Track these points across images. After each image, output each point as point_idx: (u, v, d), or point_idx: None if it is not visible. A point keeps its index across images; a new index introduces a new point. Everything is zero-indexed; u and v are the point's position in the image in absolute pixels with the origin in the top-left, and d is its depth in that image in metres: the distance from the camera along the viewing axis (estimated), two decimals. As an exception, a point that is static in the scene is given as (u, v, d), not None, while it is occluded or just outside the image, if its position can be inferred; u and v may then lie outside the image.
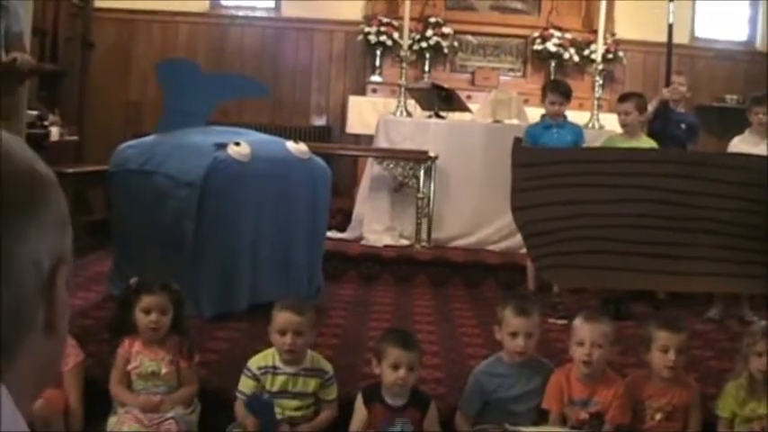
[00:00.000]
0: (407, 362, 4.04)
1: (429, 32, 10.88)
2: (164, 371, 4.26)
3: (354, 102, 10.68)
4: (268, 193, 6.11)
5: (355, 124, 10.44)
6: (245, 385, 4.22)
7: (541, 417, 4.28)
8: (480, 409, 4.32)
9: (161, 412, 4.16)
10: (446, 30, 10.96)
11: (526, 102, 9.96)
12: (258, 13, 11.60)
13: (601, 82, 9.20)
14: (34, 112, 8.55)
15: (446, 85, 9.48)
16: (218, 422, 4.29)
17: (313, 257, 6.53)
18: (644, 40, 10.67)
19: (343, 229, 8.78)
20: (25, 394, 1.00)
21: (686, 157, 5.54)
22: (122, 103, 11.12)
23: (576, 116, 7.98)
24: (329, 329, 5.85)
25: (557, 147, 6.82)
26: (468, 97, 9.97)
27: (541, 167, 4.78)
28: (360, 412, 4.13)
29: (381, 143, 8.94)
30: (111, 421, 4.21)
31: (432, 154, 8.48)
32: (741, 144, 7.06)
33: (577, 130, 7.26)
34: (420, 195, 8.43)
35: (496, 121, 9.10)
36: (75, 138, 9.92)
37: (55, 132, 9.01)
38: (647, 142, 6.87)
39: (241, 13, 11.56)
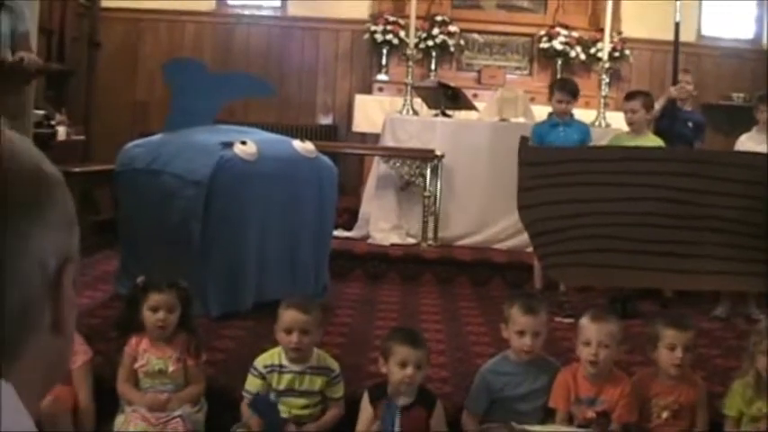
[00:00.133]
0: (415, 360, 4.04)
1: (435, 31, 10.88)
2: (171, 369, 4.27)
3: (361, 100, 10.68)
4: (275, 192, 6.11)
5: (362, 123, 10.44)
6: (252, 384, 4.23)
7: (548, 415, 4.28)
8: (487, 407, 4.32)
9: (168, 411, 4.17)
10: (452, 28, 10.96)
11: (532, 100, 9.95)
12: (264, 13, 11.61)
13: (607, 80, 9.18)
14: (41, 112, 8.57)
15: (452, 84, 9.48)
16: (225, 421, 4.30)
17: (319, 256, 6.54)
18: (650, 38, 10.66)
19: (349, 228, 8.78)
20: (33, 393, 1.00)
21: (693, 156, 5.52)
22: (129, 103, 11.14)
23: (582, 114, 7.98)
24: (336, 328, 5.85)
25: (563, 145, 6.81)
26: (475, 96, 9.97)
27: (548, 166, 4.78)
28: (366, 411, 4.13)
29: (388, 142, 8.94)
30: (119, 420, 4.22)
31: (438, 152, 8.48)
32: (748, 142, 7.05)
33: (584, 129, 7.25)
34: (426, 194, 8.43)
35: (503, 120, 9.09)
36: (81, 137, 9.93)
37: (62, 132, 9.03)
38: (653, 140, 6.86)
39: (247, 13, 11.57)
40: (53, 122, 8.92)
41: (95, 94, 10.94)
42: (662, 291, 6.94)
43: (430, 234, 8.45)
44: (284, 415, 4.16)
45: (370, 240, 8.51)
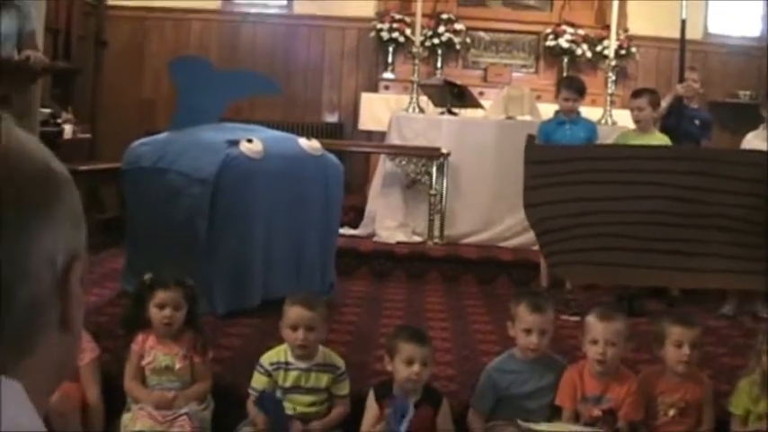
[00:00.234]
0: (421, 357, 4.04)
1: (441, 29, 10.88)
2: (177, 366, 4.27)
3: (367, 98, 10.68)
4: (281, 190, 6.12)
5: (367, 121, 10.44)
6: (258, 381, 4.23)
7: (554, 413, 4.28)
8: (493, 405, 4.32)
9: (174, 408, 4.17)
10: (458, 26, 10.95)
11: (539, 98, 9.95)
12: (270, 11, 11.61)
13: (614, 78, 9.18)
14: (47, 110, 8.59)
15: (458, 82, 9.48)
16: (231, 419, 4.30)
17: (326, 254, 6.54)
18: (657, 36, 10.65)
19: (355, 226, 8.78)
20: (41, 390, 1.00)
21: (699, 154, 5.52)
22: (135, 101, 11.14)
23: (588, 112, 7.97)
24: (342, 326, 5.85)
25: (570, 143, 6.81)
26: (481, 94, 9.97)
27: (554, 164, 4.78)
28: (371, 409, 4.13)
29: (394, 140, 8.94)
30: (126, 418, 4.23)
31: (444, 150, 8.48)
32: (755, 140, 7.04)
33: (591, 127, 7.25)
34: (432, 192, 8.43)
35: (509, 118, 9.09)
36: (88, 135, 9.95)
37: (68, 130, 9.05)
38: (659, 138, 6.86)
39: (253, 11, 11.57)
40: (59, 121, 8.94)
41: (102, 92, 10.96)
42: (668, 289, 6.94)
43: (436, 232, 8.45)
44: (291, 412, 4.16)
45: (376, 238, 8.51)
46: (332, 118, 11.48)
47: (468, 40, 11.14)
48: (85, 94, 10.60)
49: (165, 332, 4.28)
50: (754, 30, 11.51)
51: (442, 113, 9.14)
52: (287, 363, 4.23)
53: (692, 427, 4.26)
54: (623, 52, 10.58)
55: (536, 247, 6.15)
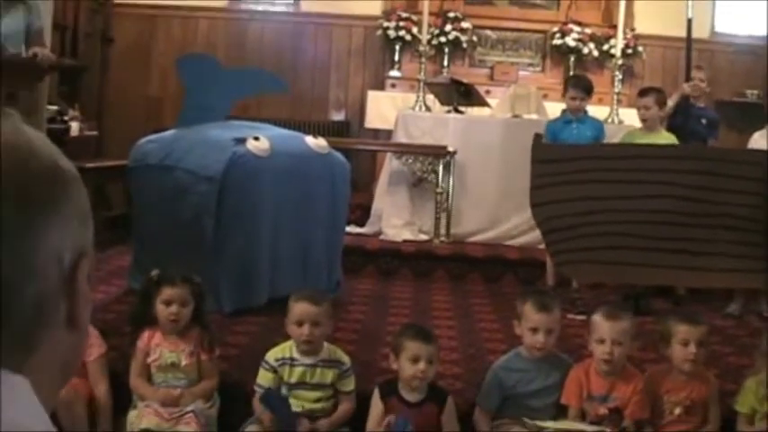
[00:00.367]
0: (427, 355, 4.04)
1: (448, 27, 10.88)
2: (184, 363, 4.27)
3: (373, 97, 10.68)
4: (287, 188, 6.12)
5: (374, 119, 10.45)
6: (264, 378, 4.24)
7: (560, 412, 4.28)
8: (499, 404, 4.32)
9: (181, 406, 4.18)
10: (465, 24, 10.95)
11: (545, 96, 9.94)
12: (277, 9, 11.61)
13: (620, 77, 9.16)
14: (54, 108, 8.60)
15: (465, 80, 9.48)
16: (237, 417, 4.30)
17: (332, 252, 6.54)
18: (663, 34, 10.62)
19: (362, 224, 8.78)
20: (49, 386, 1.00)
21: (706, 153, 5.51)
22: (142, 99, 11.15)
23: (595, 111, 7.96)
24: (348, 324, 5.85)
25: (577, 142, 6.81)
26: (487, 92, 9.97)
27: (561, 163, 4.77)
28: (377, 407, 4.13)
29: (400, 138, 8.94)
30: (132, 415, 4.23)
31: (450, 149, 8.48)
32: (761, 139, 7.03)
33: (598, 126, 7.25)
34: (439, 190, 8.43)
35: (515, 116, 9.08)
36: (94, 133, 9.96)
37: (75, 127, 9.06)
38: (666, 137, 6.85)
39: (260, 9, 11.57)
40: (66, 118, 8.95)
41: (108, 89, 10.98)
42: (674, 288, 6.93)
43: (442, 230, 8.45)
44: (297, 410, 4.16)
45: (382, 236, 8.51)
46: (338, 116, 11.48)
47: (474, 38, 11.14)
48: (92, 92, 10.62)
49: (171, 329, 4.28)
50: (760, 29, 11.46)
51: (449, 112, 9.14)
52: (292, 359, 4.24)
53: (698, 425, 4.26)
54: (630, 51, 10.58)
55: (542, 246, 6.15)
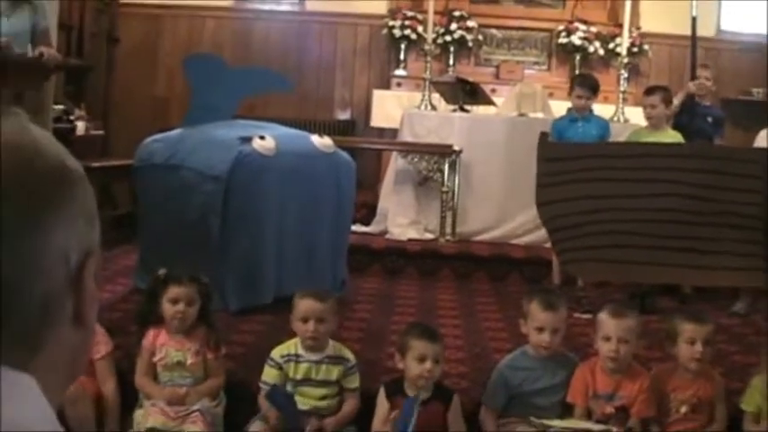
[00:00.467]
0: (433, 354, 4.05)
1: (453, 26, 10.87)
2: (189, 361, 4.28)
3: (379, 95, 10.68)
4: (293, 187, 6.12)
5: (379, 118, 10.44)
6: (269, 375, 4.25)
7: (566, 411, 4.28)
8: (505, 403, 4.32)
9: (187, 404, 4.18)
10: (470, 23, 10.94)
11: (551, 95, 9.93)
12: (283, 8, 11.61)
13: (626, 75, 9.15)
14: (60, 107, 8.61)
15: (471, 79, 9.47)
16: (243, 415, 4.30)
17: (338, 251, 6.54)
18: (669, 33, 10.62)
19: (367, 223, 8.78)
20: (55, 385, 1.01)
21: (712, 152, 5.50)
22: (148, 98, 11.16)
23: (601, 109, 7.95)
24: (354, 323, 5.86)
25: (582, 140, 6.81)
26: (493, 91, 9.96)
27: (567, 162, 4.77)
28: (382, 406, 4.13)
29: (406, 137, 8.94)
30: (138, 414, 4.24)
31: (456, 148, 8.47)
32: (768, 138, 7.04)
33: (603, 124, 7.25)
34: (444, 189, 8.42)
35: (521, 115, 9.08)
36: (100, 132, 9.97)
37: (81, 127, 9.08)
38: (672, 136, 6.85)
39: (266, 8, 11.58)
40: (72, 117, 8.97)
41: (114, 89, 10.99)
42: (680, 287, 6.92)
43: (448, 229, 8.45)
44: (304, 407, 4.17)
45: (388, 235, 8.51)
46: (344, 115, 11.48)
47: (480, 37, 11.13)
48: (98, 91, 10.63)
49: (177, 327, 4.29)
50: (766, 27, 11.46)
51: (454, 111, 9.13)
52: (297, 355, 4.25)
53: (704, 424, 4.26)
54: (636, 50, 10.55)
55: (548, 245, 6.15)
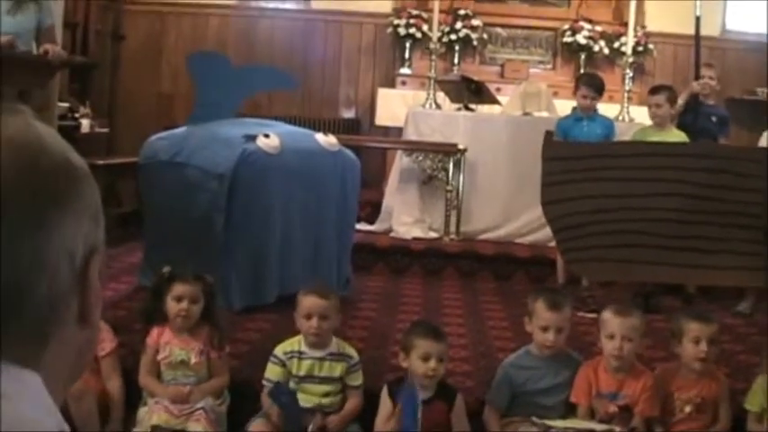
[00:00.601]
0: (437, 353, 4.05)
1: (458, 25, 10.86)
2: (193, 361, 4.28)
3: (383, 94, 10.69)
4: (297, 186, 6.12)
5: (384, 116, 10.45)
6: (272, 372, 4.25)
7: (570, 410, 4.28)
8: (509, 402, 4.32)
9: (191, 403, 4.18)
10: (475, 22, 10.94)
11: (555, 94, 9.93)
12: (288, 6, 11.61)
13: (631, 74, 9.14)
14: (65, 105, 8.63)
15: (475, 78, 9.46)
16: (246, 414, 4.30)
17: (342, 249, 6.54)
18: (674, 32, 10.60)
19: (372, 222, 8.78)
20: (59, 383, 1.01)
21: (717, 151, 5.49)
22: (153, 96, 11.17)
23: (605, 108, 7.94)
24: (358, 322, 5.86)
25: (587, 140, 6.80)
26: (498, 90, 9.95)
27: (572, 161, 4.77)
28: (385, 406, 4.13)
29: (410, 135, 8.93)
30: (142, 411, 4.24)
31: (461, 146, 8.47)
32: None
33: (608, 124, 7.24)
34: (449, 188, 8.42)
35: (526, 114, 9.08)
36: (105, 130, 9.98)
37: (86, 124, 9.09)
38: (677, 135, 6.84)
39: (271, 6, 11.58)
40: (77, 115, 8.98)
41: (119, 86, 11.01)
42: (684, 286, 6.92)
43: (452, 228, 8.45)
44: (307, 404, 4.17)
45: (392, 234, 8.51)
46: (349, 113, 11.48)
47: (485, 35, 11.12)
48: (103, 89, 10.65)
49: (181, 325, 4.29)
50: (772, 27, 11.45)
51: (459, 109, 9.13)
52: (300, 352, 4.26)
53: (708, 424, 4.26)
54: (641, 49, 10.55)
55: (553, 244, 6.15)
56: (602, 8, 11.18)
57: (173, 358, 4.29)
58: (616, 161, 4.78)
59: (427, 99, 9.24)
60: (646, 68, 11.07)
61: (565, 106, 8.74)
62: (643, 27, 10.74)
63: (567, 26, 11.02)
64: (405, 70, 11.07)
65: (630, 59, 9.10)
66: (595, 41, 10.89)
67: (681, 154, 5.02)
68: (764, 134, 7.20)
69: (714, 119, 7.71)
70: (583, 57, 10.98)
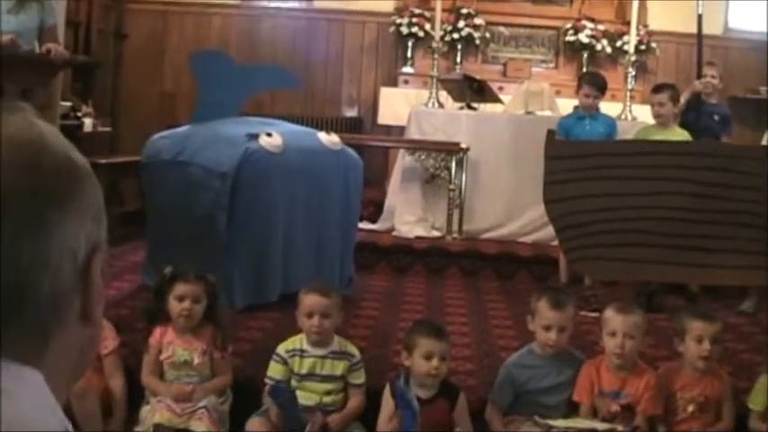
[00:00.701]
0: (440, 352, 4.05)
1: (461, 23, 10.86)
2: (196, 361, 4.28)
3: (386, 93, 10.69)
4: (300, 184, 6.12)
5: (387, 115, 10.44)
6: (274, 370, 4.26)
7: (572, 409, 4.28)
8: (512, 401, 4.32)
9: (193, 401, 4.18)
10: (478, 21, 10.93)
11: (558, 93, 9.94)
12: (290, 5, 11.61)
13: (633, 73, 9.13)
14: (68, 104, 8.63)
15: (478, 77, 9.46)
16: (249, 412, 4.30)
17: (345, 248, 6.54)
18: (677, 31, 10.60)
19: (374, 221, 8.79)
20: (62, 381, 1.01)
21: (720, 150, 5.49)
22: (156, 95, 11.17)
23: (608, 107, 7.94)
24: (361, 321, 5.86)
25: (589, 139, 6.80)
26: (500, 88, 9.95)
27: (575, 160, 4.77)
28: (388, 405, 4.13)
29: (413, 134, 8.93)
30: (144, 410, 4.24)
31: (463, 145, 8.47)
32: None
33: (610, 122, 7.24)
34: (451, 187, 8.42)
35: (528, 113, 9.08)
36: (108, 129, 9.98)
37: (88, 123, 9.09)
38: (680, 134, 6.84)
39: (273, 5, 11.58)
40: (80, 114, 8.98)
41: (122, 85, 11.01)
42: (687, 285, 6.91)
43: (455, 227, 8.45)
44: (309, 402, 4.17)
45: (395, 233, 8.51)
46: (351, 112, 11.49)
47: (487, 34, 11.12)
48: (106, 88, 10.65)
49: (183, 325, 4.29)
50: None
51: (462, 108, 9.13)
52: (302, 350, 4.27)
53: (711, 423, 4.26)
54: (643, 47, 10.53)
55: (555, 243, 6.14)
56: (604, 7, 11.18)
57: (175, 358, 4.29)
58: (618, 160, 4.77)
59: (430, 98, 9.24)
60: (648, 67, 11.06)
61: (567, 105, 8.75)
62: (645, 26, 10.73)
63: (569, 25, 11.02)
64: (407, 69, 11.07)
65: (633, 58, 9.09)
66: (598, 40, 10.89)
67: (683, 153, 5.01)
68: (767, 132, 7.19)
69: (716, 117, 7.70)
70: (585, 55, 10.97)
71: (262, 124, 6.50)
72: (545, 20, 11.25)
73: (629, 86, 9.00)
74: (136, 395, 4.36)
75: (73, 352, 1.02)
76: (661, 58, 11.07)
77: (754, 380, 4.38)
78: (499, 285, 7.51)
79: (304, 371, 4.24)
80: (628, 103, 8.89)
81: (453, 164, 8.43)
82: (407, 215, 8.61)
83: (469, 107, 9.10)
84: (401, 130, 9.53)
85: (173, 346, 4.30)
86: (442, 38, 9.93)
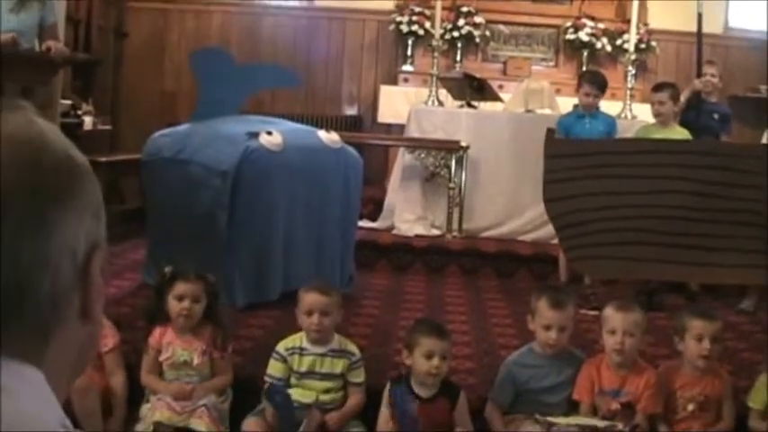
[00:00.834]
0: (441, 351, 4.05)
1: (461, 22, 10.87)
2: (196, 361, 4.28)
3: (386, 91, 10.70)
4: (300, 183, 6.12)
5: (387, 114, 10.46)
6: (274, 368, 4.26)
7: (573, 408, 4.28)
8: (512, 399, 4.32)
9: (193, 400, 4.18)
10: (478, 19, 10.95)
11: (558, 91, 9.94)
12: (291, 3, 11.62)
13: (633, 72, 9.14)
14: (68, 102, 8.63)
15: (478, 75, 9.46)
16: (250, 411, 4.30)
17: (345, 246, 6.54)
18: (677, 29, 10.60)
19: (374, 219, 8.79)
20: (62, 379, 1.01)
21: (721, 149, 5.49)
22: (156, 93, 11.18)
23: (608, 106, 7.94)
24: (361, 319, 5.86)
25: (589, 137, 6.79)
26: (500, 87, 9.96)
27: (574, 158, 4.76)
28: (387, 406, 4.13)
29: (413, 133, 8.94)
30: (144, 408, 4.24)
31: (463, 144, 8.47)
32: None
33: (610, 121, 7.23)
34: (451, 185, 8.42)
35: (528, 111, 9.08)
36: (108, 127, 9.99)
37: (88, 122, 9.09)
38: (680, 133, 6.83)
39: (274, 3, 11.59)
40: (80, 112, 8.99)
41: (122, 84, 11.02)
42: (688, 284, 6.91)
43: (455, 225, 8.45)
44: (308, 400, 4.17)
45: (394, 231, 8.51)
46: (351, 111, 11.49)
47: (487, 33, 11.13)
48: (106, 86, 10.65)
49: (183, 324, 4.29)
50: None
51: (462, 107, 9.13)
52: (302, 348, 4.27)
53: (711, 421, 4.26)
54: (643, 46, 10.54)
55: (555, 241, 6.14)
56: (604, 5, 11.19)
57: (175, 359, 4.29)
58: (618, 158, 4.77)
59: (429, 96, 9.24)
60: (648, 66, 11.07)
61: (567, 103, 8.74)
62: (645, 24, 10.74)
63: (569, 23, 11.03)
64: (407, 67, 11.08)
65: (633, 57, 9.09)
66: (598, 39, 10.90)
67: (683, 151, 5.01)
68: (766, 131, 7.19)
69: (716, 116, 7.71)
70: (585, 54, 10.99)
71: (262, 123, 6.50)
72: (545, 18, 11.26)
73: (629, 85, 9.01)
74: (136, 393, 4.36)
75: (73, 350, 1.02)
76: (661, 56, 11.08)
77: (754, 378, 4.38)
78: (499, 284, 7.51)
79: (303, 369, 4.25)
80: (628, 102, 8.89)
81: (453, 162, 8.43)
82: (407, 213, 8.62)
83: (469, 105, 9.10)
84: (401, 128, 9.54)
85: (172, 346, 4.30)
86: (442, 36, 9.94)
